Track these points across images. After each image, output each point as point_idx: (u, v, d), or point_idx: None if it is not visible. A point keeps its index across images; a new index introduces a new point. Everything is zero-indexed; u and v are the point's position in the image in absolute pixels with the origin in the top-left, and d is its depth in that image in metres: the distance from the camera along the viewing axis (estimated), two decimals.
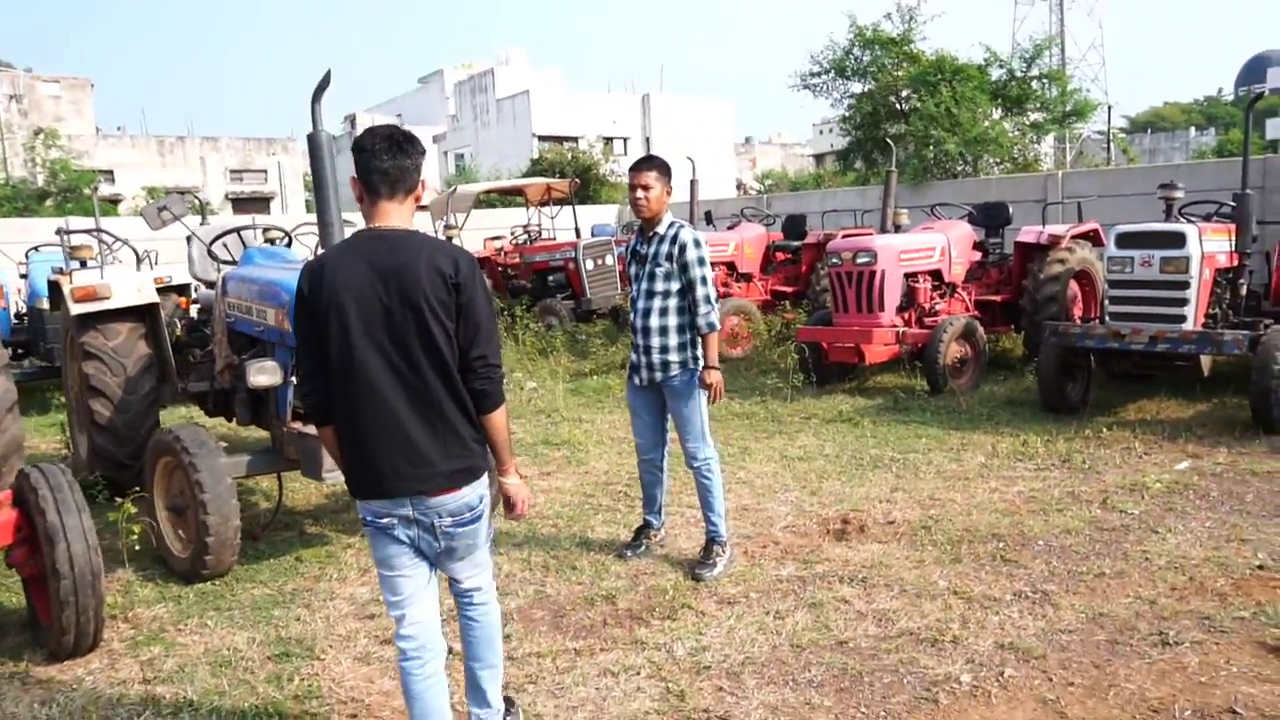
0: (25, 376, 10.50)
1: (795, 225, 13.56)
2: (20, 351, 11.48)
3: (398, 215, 2.86)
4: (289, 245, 6.57)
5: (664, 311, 4.71)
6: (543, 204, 16.34)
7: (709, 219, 13.99)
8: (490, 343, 2.86)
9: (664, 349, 4.72)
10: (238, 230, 6.37)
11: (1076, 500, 5.72)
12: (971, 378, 9.04)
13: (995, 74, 17.37)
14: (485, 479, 2.93)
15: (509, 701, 3.38)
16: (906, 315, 9.38)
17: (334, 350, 2.76)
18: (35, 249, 11.23)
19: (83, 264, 10.21)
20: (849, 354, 9.15)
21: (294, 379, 2.94)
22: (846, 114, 18.99)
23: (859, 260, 9.12)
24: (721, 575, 4.73)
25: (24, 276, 11.38)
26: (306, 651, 4.09)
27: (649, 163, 4.72)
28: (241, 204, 38.22)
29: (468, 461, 2.84)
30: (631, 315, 4.92)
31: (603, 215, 20.57)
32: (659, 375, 4.77)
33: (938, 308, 9.60)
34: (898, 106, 18.05)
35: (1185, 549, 4.85)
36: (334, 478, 4.90)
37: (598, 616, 4.33)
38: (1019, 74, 17.33)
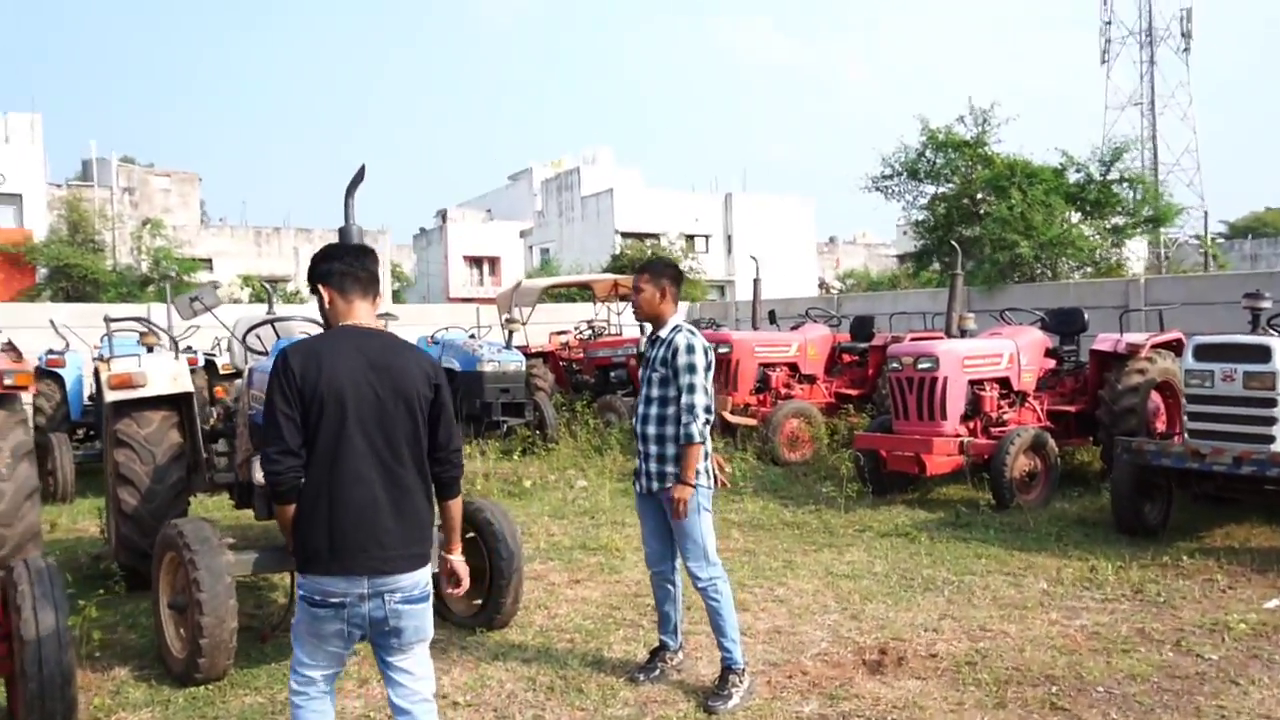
0: (88, 458, 10.75)
1: (863, 326, 13.22)
2: (91, 433, 11.78)
3: (368, 315, 3.16)
4: None
5: (662, 420, 4.47)
6: (610, 300, 16.33)
7: (772, 318, 13.74)
8: (458, 436, 3.23)
9: (661, 458, 4.47)
10: (271, 321, 6.37)
11: (1146, 639, 5.16)
12: (1041, 493, 8.48)
13: (1073, 177, 16.93)
14: (430, 566, 3.13)
15: None
16: (971, 424, 8.90)
17: (324, 433, 2.95)
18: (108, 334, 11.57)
19: (149, 350, 10.46)
20: (908, 463, 8.68)
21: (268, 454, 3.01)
22: (920, 216, 18.72)
23: (920, 366, 8.73)
24: (737, 709, 4.33)
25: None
26: None
27: (646, 267, 4.68)
28: None
29: (425, 547, 3.09)
30: (634, 420, 4.69)
31: None
32: (656, 485, 4.50)
33: (1006, 417, 9.10)
34: (972, 209, 17.71)
35: (1270, 707, 4.28)
36: None
37: None
38: (1098, 177, 16.84)
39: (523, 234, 52.31)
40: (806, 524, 8.16)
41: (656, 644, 4.88)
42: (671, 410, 4.45)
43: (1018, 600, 5.91)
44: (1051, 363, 9.96)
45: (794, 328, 13.10)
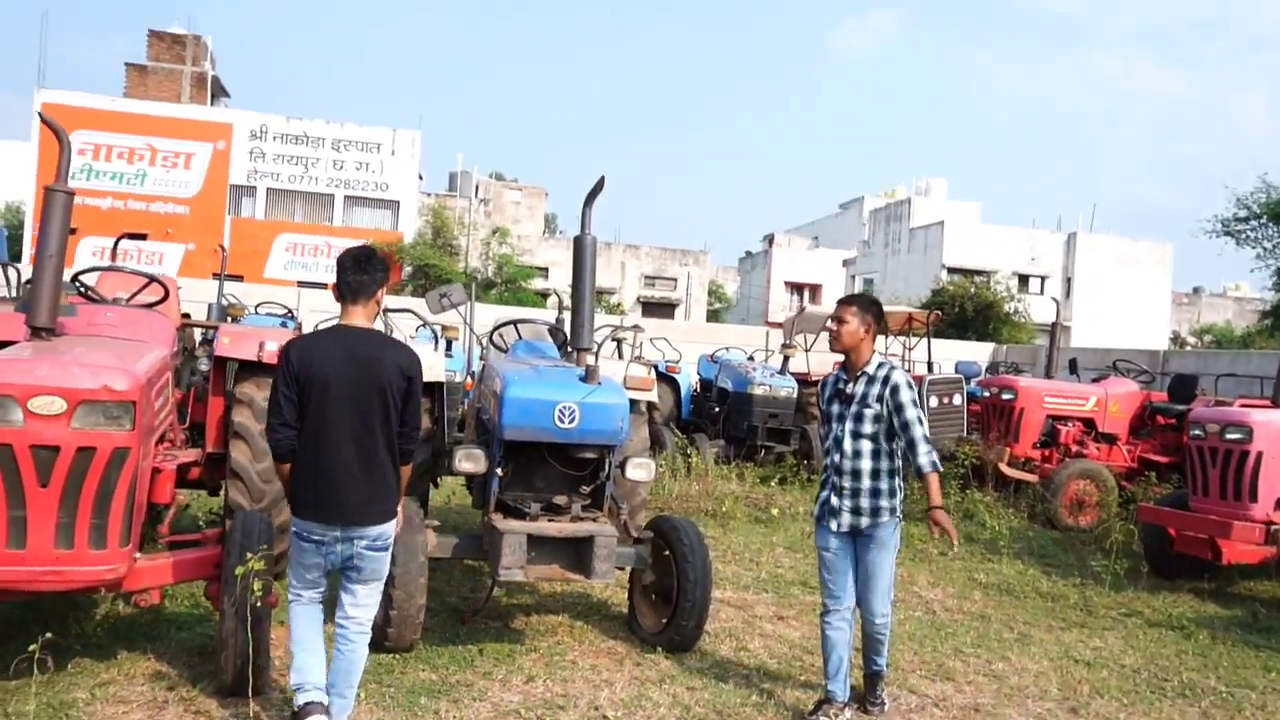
0: None
1: (1184, 386, 11.58)
2: None
3: (362, 316, 3.89)
4: (563, 344, 6.79)
5: (876, 454, 4.49)
6: (903, 334, 15.64)
7: (1073, 368, 12.45)
8: (420, 417, 4.06)
9: (875, 493, 4.48)
10: (515, 322, 6.73)
11: None
12: None
13: None
14: (395, 521, 3.92)
15: None
16: None
17: (313, 410, 3.71)
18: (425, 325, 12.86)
19: (449, 343, 11.54)
20: (1200, 547, 7.49)
21: (275, 425, 3.81)
22: None
23: (1228, 435, 7.49)
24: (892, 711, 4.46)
25: None
26: None
27: (852, 299, 4.70)
28: (651, 308, 41.19)
29: (390, 504, 3.87)
30: (832, 456, 4.61)
31: (976, 353, 19.26)
32: (865, 521, 4.49)
33: None
34: None
35: None
36: (508, 575, 4.85)
37: None
38: None
39: (846, 263, 51.68)
40: (1064, 597, 7.28)
41: (821, 695, 4.58)
42: (885, 446, 4.50)
43: None
44: None
45: (1096, 380, 11.79)
